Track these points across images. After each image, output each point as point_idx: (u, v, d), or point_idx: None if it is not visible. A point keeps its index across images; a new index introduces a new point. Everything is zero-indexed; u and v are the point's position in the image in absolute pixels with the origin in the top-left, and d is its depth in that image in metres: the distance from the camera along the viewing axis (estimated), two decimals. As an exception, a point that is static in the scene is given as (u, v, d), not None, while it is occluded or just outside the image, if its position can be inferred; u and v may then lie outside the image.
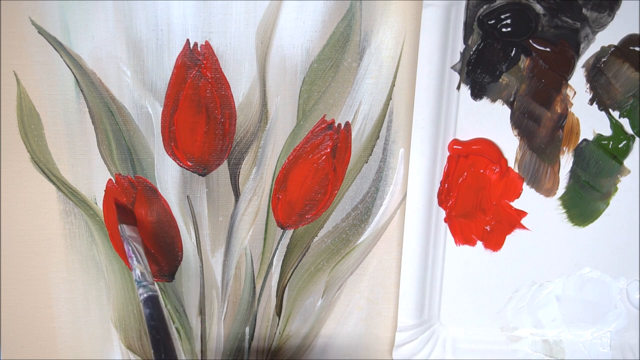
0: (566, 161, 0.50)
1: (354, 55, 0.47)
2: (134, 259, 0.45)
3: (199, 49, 0.46)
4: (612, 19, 0.46)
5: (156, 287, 0.43)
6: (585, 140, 0.50)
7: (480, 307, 0.54)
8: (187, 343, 0.54)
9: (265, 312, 0.54)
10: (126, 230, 0.47)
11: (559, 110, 0.49)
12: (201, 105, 0.47)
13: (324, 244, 0.53)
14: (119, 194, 0.49)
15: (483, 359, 0.55)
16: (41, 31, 0.45)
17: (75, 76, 0.46)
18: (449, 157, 0.50)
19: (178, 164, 0.49)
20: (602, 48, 0.47)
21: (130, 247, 0.45)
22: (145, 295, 0.43)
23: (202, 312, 0.54)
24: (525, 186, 0.51)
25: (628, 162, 0.50)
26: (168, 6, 0.45)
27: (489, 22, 0.46)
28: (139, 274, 0.43)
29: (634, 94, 0.48)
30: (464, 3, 0.46)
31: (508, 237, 0.52)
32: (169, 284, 0.52)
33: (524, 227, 0.52)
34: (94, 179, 0.49)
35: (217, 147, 0.49)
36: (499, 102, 0.49)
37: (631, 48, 0.47)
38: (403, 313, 0.53)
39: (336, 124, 0.49)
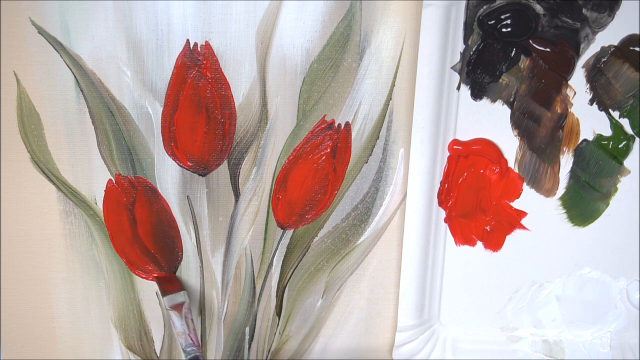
0: (566, 161, 0.50)
1: (354, 55, 0.47)
2: (177, 327, 0.48)
3: (199, 49, 0.46)
4: (612, 19, 0.46)
5: (200, 348, 0.48)
6: (585, 140, 0.50)
7: (480, 307, 0.54)
8: (187, 343, 0.54)
9: (265, 312, 0.54)
10: (167, 302, 0.50)
11: (559, 111, 0.49)
12: (201, 106, 0.47)
13: (324, 244, 0.53)
14: (119, 194, 0.49)
15: (483, 359, 0.55)
16: (41, 31, 0.45)
17: (75, 76, 0.46)
18: (449, 157, 0.50)
19: (178, 164, 0.49)
20: (602, 48, 0.47)
21: (172, 319, 0.49)
22: (189, 356, 0.47)
23: (202, 312, 0.54)
24: (525, 186, 0.51)
25: (628, 162, 0.50)
26: (168, 6, 0.45)
27: (489, 22, 0.46)
28: (183, 341, 0.48)
29: (634, 94, 0.48)
30: (464, 3, 0.46)
31: (508, 237, 0.52)
32: (169, 284, 0.53)
33: (524, 227, 0.52)
34: (94, 179, 0.49)
35: (217, 147, 0.49)
36: (499, 102, 0.49)
37: (631, 48, 0.47)
38: (403, 313, 0.53)
39: (336, 124, 0.49)
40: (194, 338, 0.48)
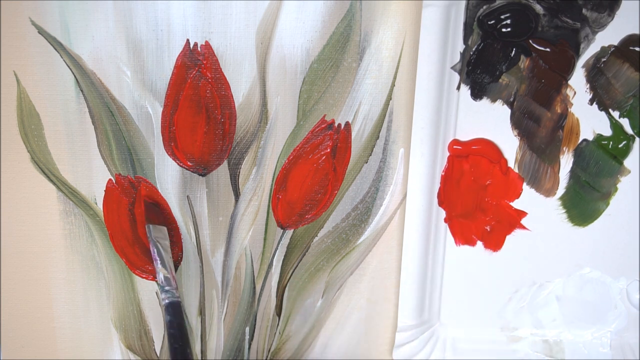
0: (566, 161, 0.50)
1: (354, 55, 0.47)
2: (158, 262, 0.44)
3: (199, 49, 0.46)
4: (612, 19, 0.46)
5: (179, 293, 0.42)
6: (585, 140, 0.50)
7: (480, 307, 0.54)
8: (187, 343, 0.54)
9: (265, 312, 0.54)
10: (153, 231, 0.46)
11: (559, 111, 0.49)
12: (201, 106, 0.47)
13: (324, 244, 0.53)
14: (119, 194, 0.49)
15: (483, 359, 0.55)
16: (41, 31, 0.45)
17: (75, 76, 0.46)
18: (449, 157, 0.50)
19: (178, 164, 0.49)
20: (602, 48, 0.47)
21: (155, 249, 0.44)
22: (167, 300, 0.41)
23: (202, 312, 0.54)
24: (525, 186, 0.51)
25: (628, 162, 0.50)
26: (168, 6, 0.45)
27: (489, 22, 0.46)
28: (162, 278, 0.42)
29: (634, 94, 0.48)
30: (464, 3, 0.46)
31: (508, 237, 0.52)
32: (169, 284, 0.52)
33: (524, 227, 0.52)
34: (94, 179, 0.49)
35: (217, 147, 0.49)
36: (499, 102, 0.49)
37: (631, 48, 0.47)
38: (403, 313, 0.53)
39: (336, 124, 0.49)
40: (174, 281, 0.42)
